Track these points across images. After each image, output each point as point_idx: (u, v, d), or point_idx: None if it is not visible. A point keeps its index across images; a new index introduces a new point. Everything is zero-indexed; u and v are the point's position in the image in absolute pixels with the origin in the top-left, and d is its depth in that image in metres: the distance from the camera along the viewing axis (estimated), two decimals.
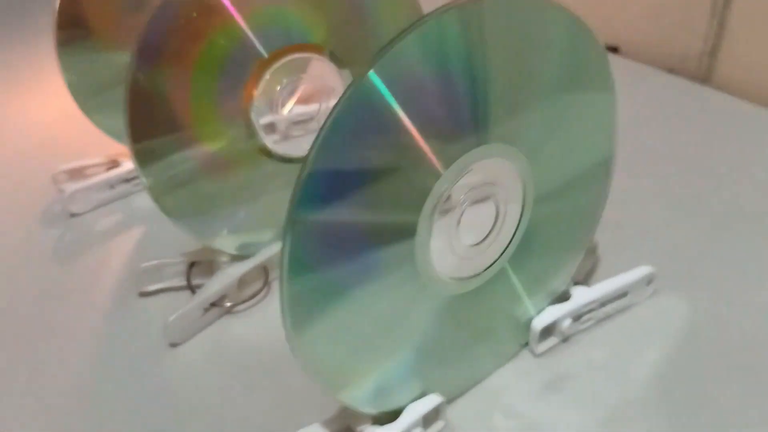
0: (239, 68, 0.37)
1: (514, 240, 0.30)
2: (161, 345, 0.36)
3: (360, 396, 0.28)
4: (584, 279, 0.37)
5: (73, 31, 0.44)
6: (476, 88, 0.26)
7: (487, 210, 0.29)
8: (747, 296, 0.36)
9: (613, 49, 0.65)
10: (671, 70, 0.61)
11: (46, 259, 0.44)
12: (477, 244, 0.29)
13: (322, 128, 0.23)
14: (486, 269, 0.30)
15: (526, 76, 0.28)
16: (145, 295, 0.40)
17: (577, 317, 0.34)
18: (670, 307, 0.36)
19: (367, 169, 0.25)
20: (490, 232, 0.30)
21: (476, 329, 0.32)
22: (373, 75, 0.23)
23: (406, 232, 0.26)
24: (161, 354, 0.36)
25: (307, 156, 0.23)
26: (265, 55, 0.37)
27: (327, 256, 0.25)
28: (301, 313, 0.25)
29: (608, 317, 0.35)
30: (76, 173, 0.49)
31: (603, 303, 0.35)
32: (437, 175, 0.26)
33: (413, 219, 0.26)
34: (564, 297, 0.34)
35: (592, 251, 0.38)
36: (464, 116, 0.26)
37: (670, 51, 0.61)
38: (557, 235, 0.33)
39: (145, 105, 0.34)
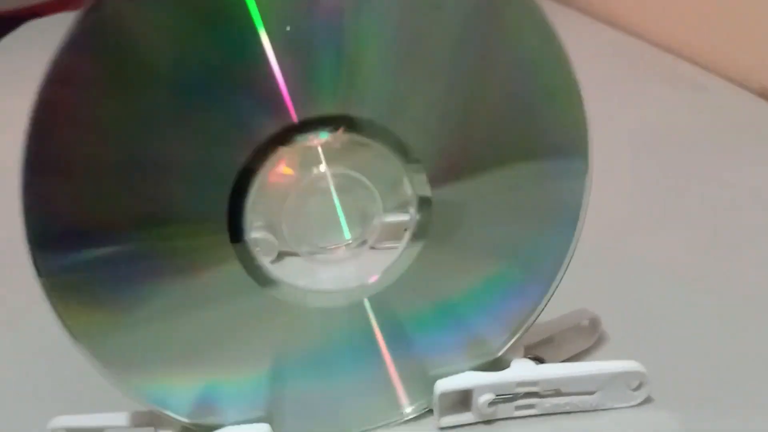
0: None
1: (390, 272, 0.24)
2: None
3: (173, 400, 0.24)
4: (572, 358, 0.29)
5: None
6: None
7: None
8: None
9: None
10: None
11: None
12: (326, 248, 0.23)
13: None
14: (339, 292, 0.24)
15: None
16: None
17: (508, 397, 0.26)
18: (658, 426, 0.26)
19: None
20: (354, 241, 0.23)
21: (337, 367, 0.25)
22: None
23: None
24: None
25: None
26: None
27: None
28: (68, 295, 0.21)
29: (563, 413, 0.26)
30: None
31: (554, 392, 0.26)
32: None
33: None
34: (500, 365, 0.26)
35: (592, 328, 0.29)
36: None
37: None
38: (473, 294, 0.25)
39: None
